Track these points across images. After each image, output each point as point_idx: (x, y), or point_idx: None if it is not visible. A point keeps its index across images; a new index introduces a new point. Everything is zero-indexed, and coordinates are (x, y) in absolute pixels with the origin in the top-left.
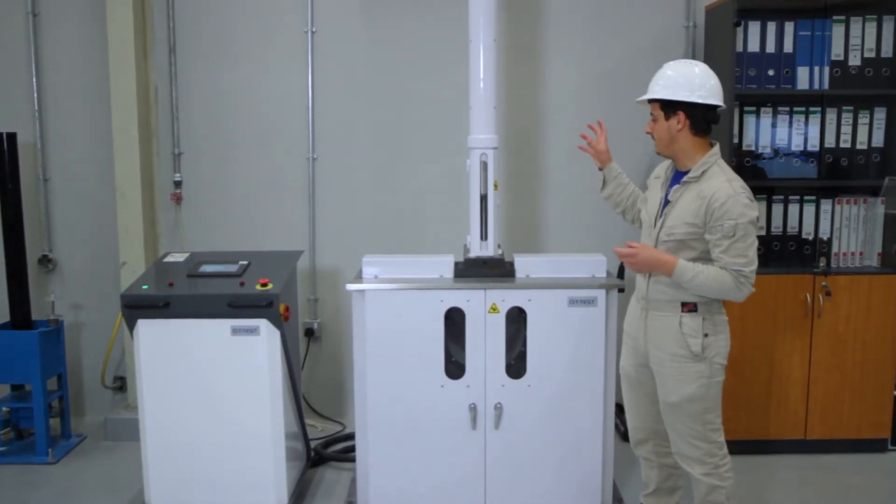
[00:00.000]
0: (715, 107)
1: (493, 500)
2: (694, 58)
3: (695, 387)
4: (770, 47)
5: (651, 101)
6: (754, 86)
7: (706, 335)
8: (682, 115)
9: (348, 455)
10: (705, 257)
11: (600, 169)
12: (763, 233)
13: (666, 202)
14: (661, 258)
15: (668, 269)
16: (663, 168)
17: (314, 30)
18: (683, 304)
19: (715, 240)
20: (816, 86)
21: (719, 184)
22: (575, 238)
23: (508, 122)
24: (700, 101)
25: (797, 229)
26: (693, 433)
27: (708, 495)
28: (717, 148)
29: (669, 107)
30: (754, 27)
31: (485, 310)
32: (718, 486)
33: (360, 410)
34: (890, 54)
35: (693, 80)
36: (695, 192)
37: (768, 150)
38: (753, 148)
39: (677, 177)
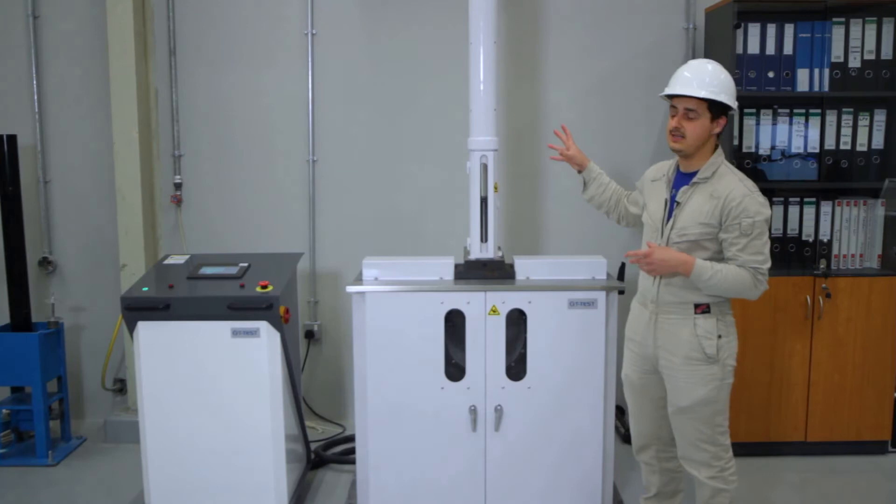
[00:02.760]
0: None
1: (493, 502)
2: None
3: (707, 390)
4: (770, 49)
5: (691, 97)
6: (754, 88)
7: (720, 336)
8: (723, 120)
9: (348, 457)
10: (717, 258)
11: (579, 172)
12: None
13: (673, 203)
14: (680, 257)
15: (686, 269)
16: (661, 170)
17: (314, 32)
18: (696, 306)
19: (732, 238)
20: (816, 88)
21: (733, 183)
22: (575, 240)
23: (508, 124)
24: (735, 107)
25: (797, 231)
26: (702, 436)
27: (712, 499)
28: (721, 149)
29: (719, 109)
30: (754, 29)
31: (485, 312)
32: (723, 490)
33: (360, 412)
34: (890, 56)
35: (732, 87)
36: (706, 192)
37: (768, 152)
38: (753, 150)
39: (682, 178)
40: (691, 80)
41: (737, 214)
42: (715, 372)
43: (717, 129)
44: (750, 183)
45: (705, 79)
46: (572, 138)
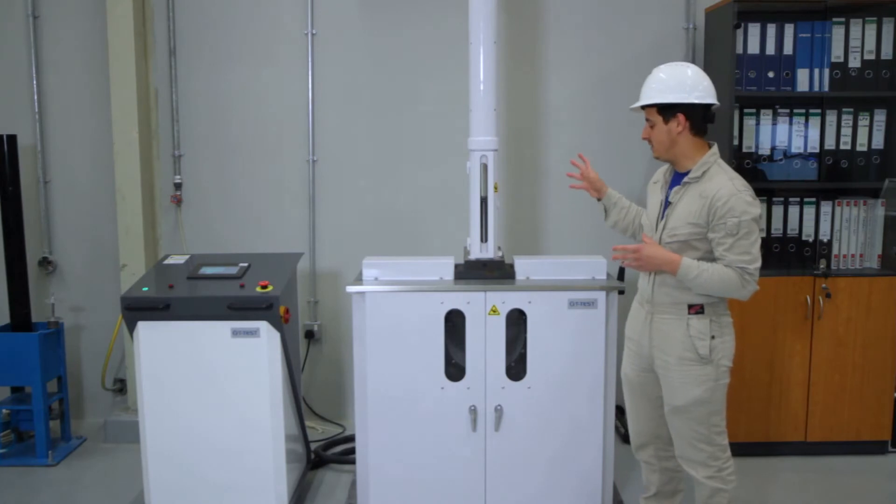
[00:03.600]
0: (710, 106)
1: (493, 502)
2: (693, 60)
3: (701, 390)
4: (770, 49)
5: (647, 106)
6: (754, 88)
7: (713, 337)
8: (681, 117)
9: (348, 457)
10: (709, 257)
11: (598, 199)
12: (763, 235)
13: (666, 204)
14: (667, 256)
15: (672, 268)
16: (661, 172)
17: (314, 32)
18: (690, 307)
19: (718, 238)
20: (816, 88)
21: (721, 182)
22: (575, 240)
23: (508, 124)
24: (698, 101)
25: (797, 231)
26: (698, 436)
27: (710, 498)
28: (715, 148)
29: (668, 110)
30: (754, 29)
31: (485, 312)
32: (721, 490)
33: (360, 412)
34: (890, 56)
35: (686, 81)
36: (696, 191)
37: (768, 152)
38: (753, 150)
39: (677, 178)
40: (642, 93)
41: (723, 214)
42: (709, 372)
43: (680, 129)
44: (740, 182)
45: (652, 85)
46: (590, 164)
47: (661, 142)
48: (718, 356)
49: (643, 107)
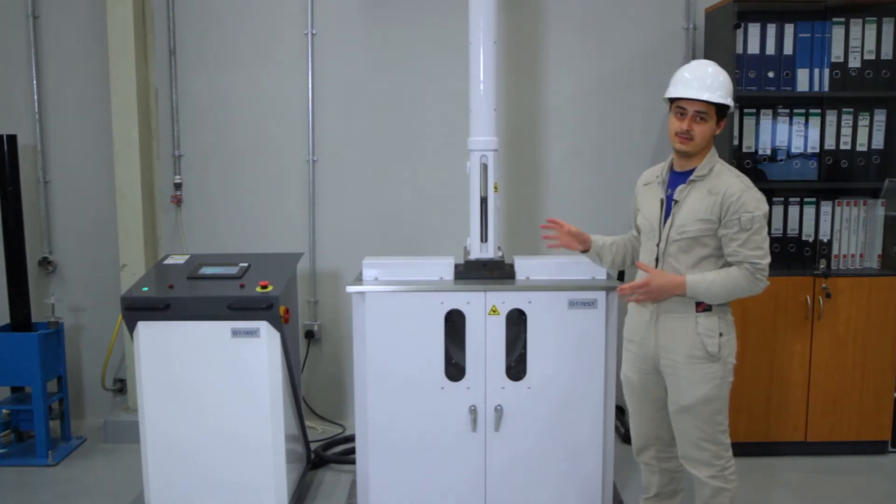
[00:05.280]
0: None
1: (493, 502)
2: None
3: (709, 388)
4: (770, 49)
5: (709, 101)
6: (754, 88)
7: (721, 335)
8: (723, 121)
9: (348, 457)
10: (717, 255)
11: (584, 251)
12: None
13: (670, 202)
14: (674, 280)
15: (681, 290)
16: (654, 172)
17: (314, 32)
18: (697, 304)
19: (732, 234)
20: (816, 88)
21: (731, 179)
22: None
23: (508, 124)
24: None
25: (797, 231)
26: (703, 435)
27: (712, 498)
28: (714, 148)
29: (724, 111)
30: (754, 29)
31: (485, 312)
32: (724, 489)
33: (360, 412)
34: (890, 56)
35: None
36: (704, 189)
37: (768, 152)
38: (753, 150)
39: (677, 177)
40: (702, 82)
41: (736, 209)
42: (716, 370)
43: (719, 131)
44: (746, 179)
45: (714, 81)
46: (561, 223)
47: (705, 138)
48: (726, 353)
49: (694, 99)
